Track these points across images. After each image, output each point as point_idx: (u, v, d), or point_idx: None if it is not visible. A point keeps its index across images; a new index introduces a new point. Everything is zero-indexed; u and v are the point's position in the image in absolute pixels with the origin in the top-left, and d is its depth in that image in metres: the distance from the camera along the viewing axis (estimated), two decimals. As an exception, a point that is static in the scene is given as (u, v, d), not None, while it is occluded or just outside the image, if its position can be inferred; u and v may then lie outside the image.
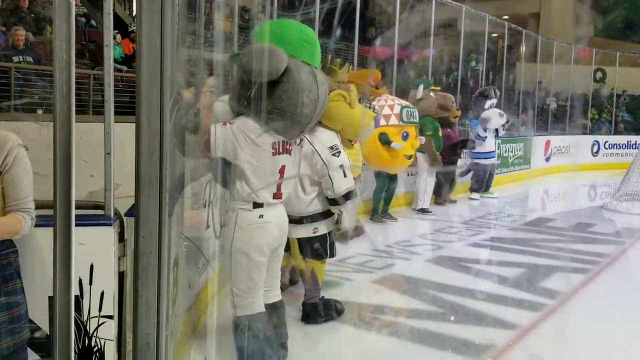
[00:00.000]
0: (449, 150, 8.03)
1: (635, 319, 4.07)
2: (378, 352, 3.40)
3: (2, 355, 1.97)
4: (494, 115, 8.93)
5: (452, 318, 4.00)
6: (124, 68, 8.48)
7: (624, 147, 15.21)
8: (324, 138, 3.47)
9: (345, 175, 3.42)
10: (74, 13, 0.91)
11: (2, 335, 1.97)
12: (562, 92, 16.27)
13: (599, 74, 18.32)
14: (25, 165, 2.02)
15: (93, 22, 9.51)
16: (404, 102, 6.77)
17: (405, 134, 6.53)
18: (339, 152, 3.48)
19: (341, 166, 3.43)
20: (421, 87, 7.71)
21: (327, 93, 2.77)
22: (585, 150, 14.69)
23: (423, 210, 7.77)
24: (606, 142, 15.24)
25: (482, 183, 9.29)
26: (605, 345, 3.55)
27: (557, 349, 3.53)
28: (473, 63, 14.41)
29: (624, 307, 4.32)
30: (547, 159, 13.27)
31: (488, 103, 9.04)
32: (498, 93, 9.35)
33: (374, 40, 14.57)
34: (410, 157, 6.76)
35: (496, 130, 9.13)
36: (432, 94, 7.68)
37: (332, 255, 3.64)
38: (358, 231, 6.08)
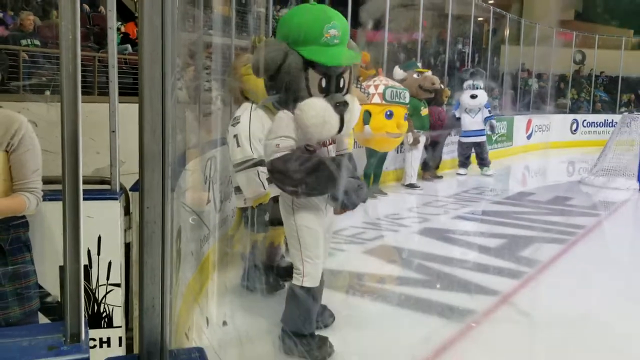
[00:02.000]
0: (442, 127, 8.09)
1: (608, 285, 4.12)
2: (368, 316, 3.44)
3: (13, 322, 1.99)
4: (465, 97, 9.02)
5: (438, 285, 4.04)
6: (129, 48, 8.39)
7: (601, 125, 15.24)
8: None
9: (238, 145, 3.37)
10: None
11: (12, 304, 1.99)
12: (544, 74, 16.23)
13: (579, 56, 18.25)
14: (33, 144, 1.99)
15: (102, 9, 9.38)
16: (390, 83, 6.71)
17: (388, 113, 6.49)
18: (237, 122, 3.43)
19: (235, 136, 3.39)
20: (396, 68, 7.72)
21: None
22: (564, 128, 14.72)
23: (411, 186, 7.80)
24: (584, 120, 15.26)
25: (464, 160, 9.37)
26: (580, 309, 3.60)
27: (536, 314, 3.59)
28: (460, 46, 14.31)
29: (598, 275, 4.38)
30: (529, 137, 13.29)
31: (465, 84, 9.09)
32: (480, 73, 9.27)
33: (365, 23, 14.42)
34: (397, 136, 6.73)
35: (489, 111, 9.16)
36: (415, 75, 7.62)
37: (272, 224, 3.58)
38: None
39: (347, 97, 2.58)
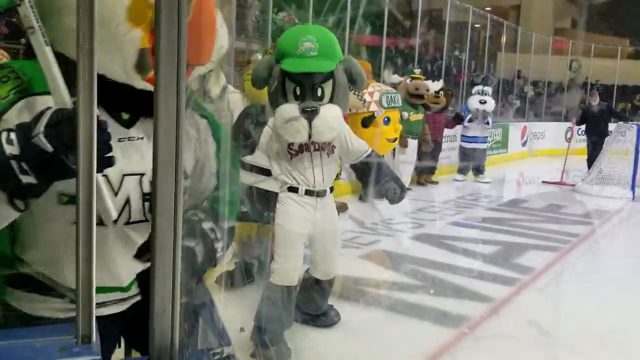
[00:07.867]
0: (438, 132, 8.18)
1: (601, 292, 4.16)
2: (363, 321, 3.48)
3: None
4: (473, 101, 9.03)
5: (432, 291, 4.07)
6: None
7: (596, 133, 15.28)
8: None
9: None
10: (95, 3, 0.93)
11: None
12: (539, 81, 16.33)
13: (575, 65, 18.37)
14: None
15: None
16: (384, 89, 6.71)
17: (386, 119, 6.50)
18: None
19: None
20: (386, 71, 7.73)
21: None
22: (559, 136, 14.78)
23: None
24: (579, 129, 15.30)
25: (464, 165, 9.39)
26: (573, 317, 3.64)
27: (529, 321, 3.62)
28: (456, 52, 14.38)
29: (591, 282, 4.43)
30: (523, 144, 13.36)
31: (475, 89, 9.11)
32: (490, 80, 9.31)
33: (364, 29, 14.48)
34: (394, 140, 6.75)
35: (489, 115, 9.15)
36: (408, 80, 7.63)
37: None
38: (342, 208, 6.14)
39: (324, 106, 2.67)
